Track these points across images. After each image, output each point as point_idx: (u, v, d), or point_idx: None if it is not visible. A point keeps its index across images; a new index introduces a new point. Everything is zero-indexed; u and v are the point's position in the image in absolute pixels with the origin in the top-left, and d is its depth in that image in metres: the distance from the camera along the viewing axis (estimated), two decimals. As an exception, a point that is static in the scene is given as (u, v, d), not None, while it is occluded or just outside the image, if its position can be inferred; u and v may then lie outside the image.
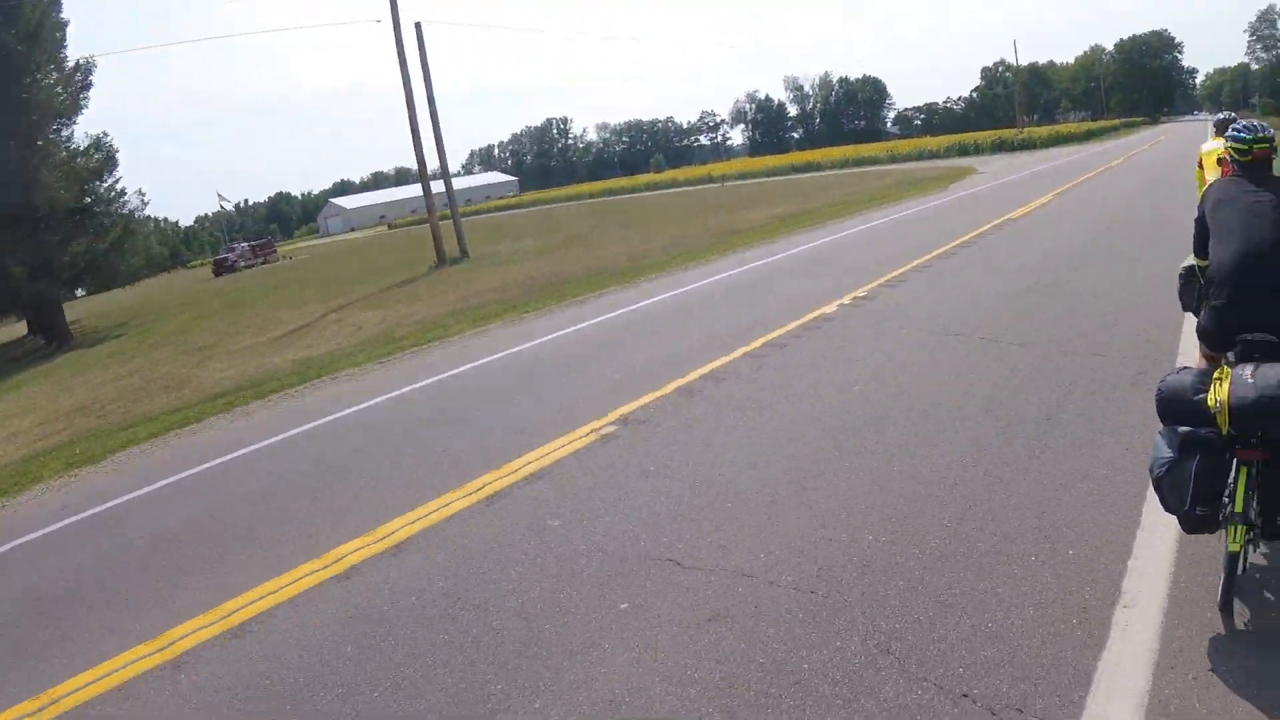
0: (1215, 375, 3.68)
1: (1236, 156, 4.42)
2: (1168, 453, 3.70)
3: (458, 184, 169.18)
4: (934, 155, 73.15)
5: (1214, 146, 8.40)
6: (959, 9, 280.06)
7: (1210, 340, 4.22)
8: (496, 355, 12.08)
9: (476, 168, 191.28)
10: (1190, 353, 6.54)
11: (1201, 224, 4.39)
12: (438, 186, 34.06)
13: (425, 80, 32.34)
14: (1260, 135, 4.34)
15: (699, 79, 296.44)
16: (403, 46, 31.10)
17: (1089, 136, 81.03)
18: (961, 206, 25.89)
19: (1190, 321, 5.27)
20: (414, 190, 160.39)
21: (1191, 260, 4.72)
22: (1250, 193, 4.15)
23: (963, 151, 72.57)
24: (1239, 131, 4.42)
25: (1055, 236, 15.96)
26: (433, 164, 33.94)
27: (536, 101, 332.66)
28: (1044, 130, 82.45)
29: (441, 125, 32.81)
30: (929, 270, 13.94)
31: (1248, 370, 3.60)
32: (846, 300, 12.16)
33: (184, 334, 23.04)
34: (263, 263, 66.59)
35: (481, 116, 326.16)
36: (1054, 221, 18.56)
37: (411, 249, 41.30)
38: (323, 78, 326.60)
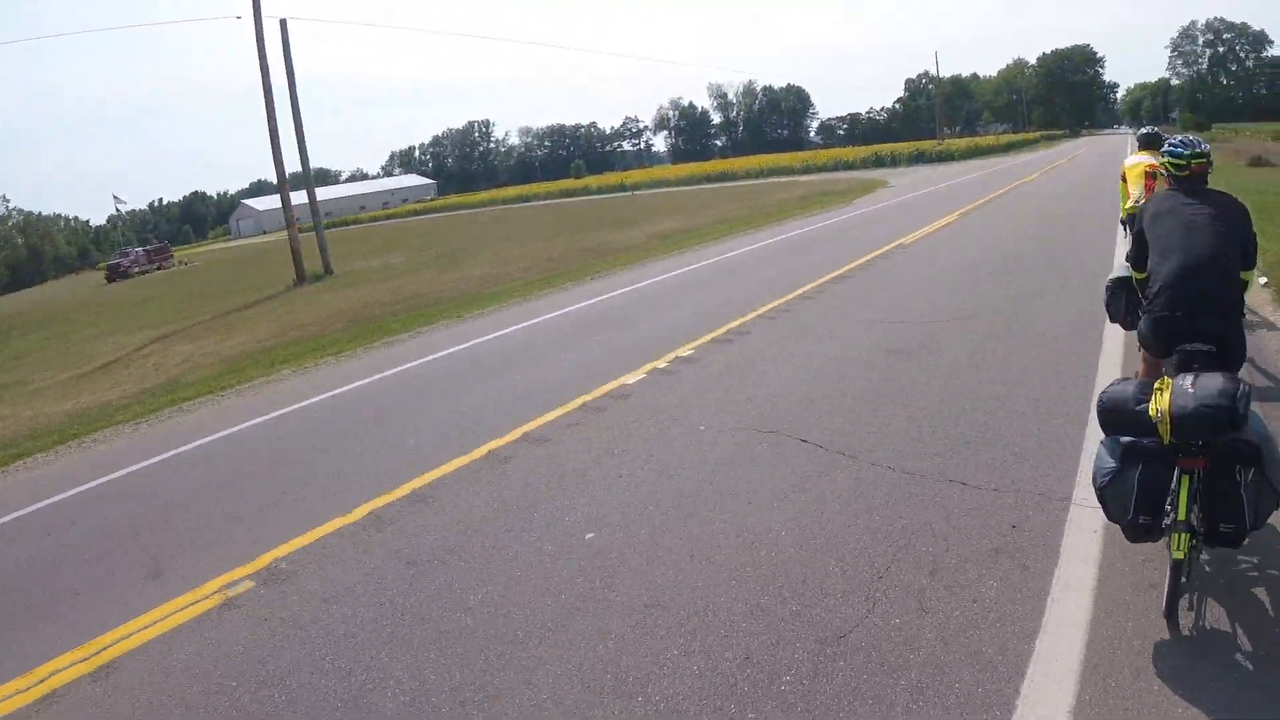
0: (1156, 385, 3.74)
1: (1174, 171, 4.49)
2: (1110, 463, 3.73)
3: (373, 186, 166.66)
4: (850, 166, 71.38)
5: (1137, 161, 8.33)
6: (885, 21, 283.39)
7: (1151, 347, 4.27)
8: (217, 435, 9.09)
9: (397, 170, 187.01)
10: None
11: (1140, 237, 4.46)
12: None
13: (289, 80, 29.07)
14: (1197, 150, 4.44)
15: (624, 84, 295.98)
16: (263, 44, 27.68)
17: (1009, 149, 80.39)
18: (856, 226, 23.50)
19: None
20: (329, 192, 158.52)
21: (1120, 272, 5.15)
22: (1188, 205, 4.24)
23: (879, 163, 71.11)
24: (1176, 147, 4.49)
25: (939, 275, 13.35)
26: (302, 167, 30.46)
27: (459, 103, 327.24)
28: (963, 142, 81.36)
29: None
30: (780, 319, 11.13)
31: (1188, 380, 3.66)
32: (662, 363, 9.26)
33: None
34: (157, 268, 61.92)
35: (402, 117, 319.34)
36: (946, 251, 16.08)
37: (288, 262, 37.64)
38: (239, 71, 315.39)
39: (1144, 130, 9.33)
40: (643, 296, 15.14)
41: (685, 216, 33.93)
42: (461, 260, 27.48)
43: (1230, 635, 3.58)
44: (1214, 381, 3.58)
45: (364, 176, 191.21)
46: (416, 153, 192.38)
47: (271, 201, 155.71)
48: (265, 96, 27.80)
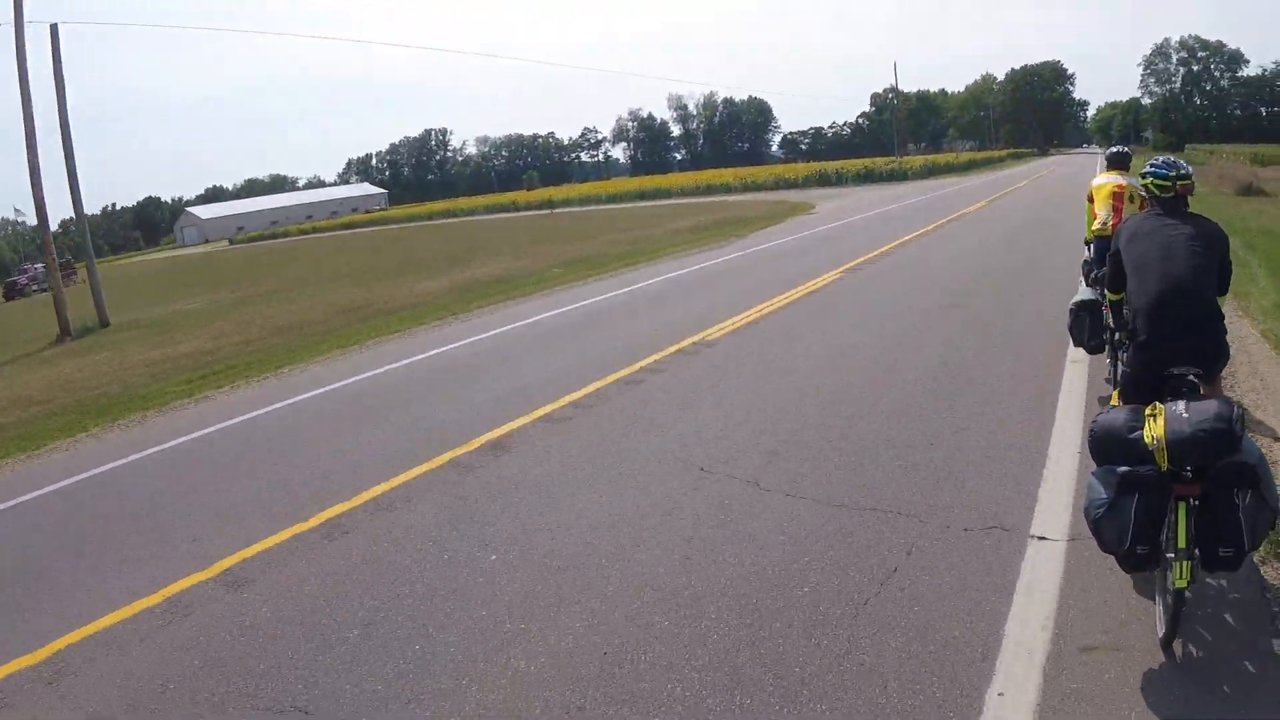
0: (1148, 411, 3.68)
1: (1157, 193, 4.45)
2: (1104, 494, 3.65)
3: (321, 195, 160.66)
4: (792, 184, 64.89)
5: (1105, 180, 8.07)
6: (856, 35, 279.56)
7: (1134, 387, 4.15)
8: None
9: (354, 177, 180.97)
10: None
11: (1116, 259, 4.41)
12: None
13: (59, 96, 22.80)
14: (1182, 172, 4.42)
15: (584, 94, 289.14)
16: (23, 54, 21.07)
17: (969, 167, 74.57)
18: (700, 284, 17.14)
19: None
20: (277, 200, 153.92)
21: (1084, 295, 5.50)
22: (1168, 226, 4.21)
23: (824, 181, 64.66)
24: (1160, 167, 4.45)
25: (808, 363, 8.63)
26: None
27: (419, 111, 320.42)
28: (919, 160, 74.47)
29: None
30: (477, 475, 5.23)
31: (1180, 405, 3.62)
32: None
33: None
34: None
35: (361, 124, 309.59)
36: (829, 320, 10.86)
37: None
38: (197, 74, 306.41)
39: (1113, 149, 8.79)
40: (356, 398, 9.51)
41: (538, 253, 27.85)
42: (262, 307, 22.20)
43: (1222, 661, 3.51)
44: (1208, 406, 3.57)
45: (321, 184, 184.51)
46: (374, 161, 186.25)
47: (217, 209, 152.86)
48: (25, 119, 21.02)
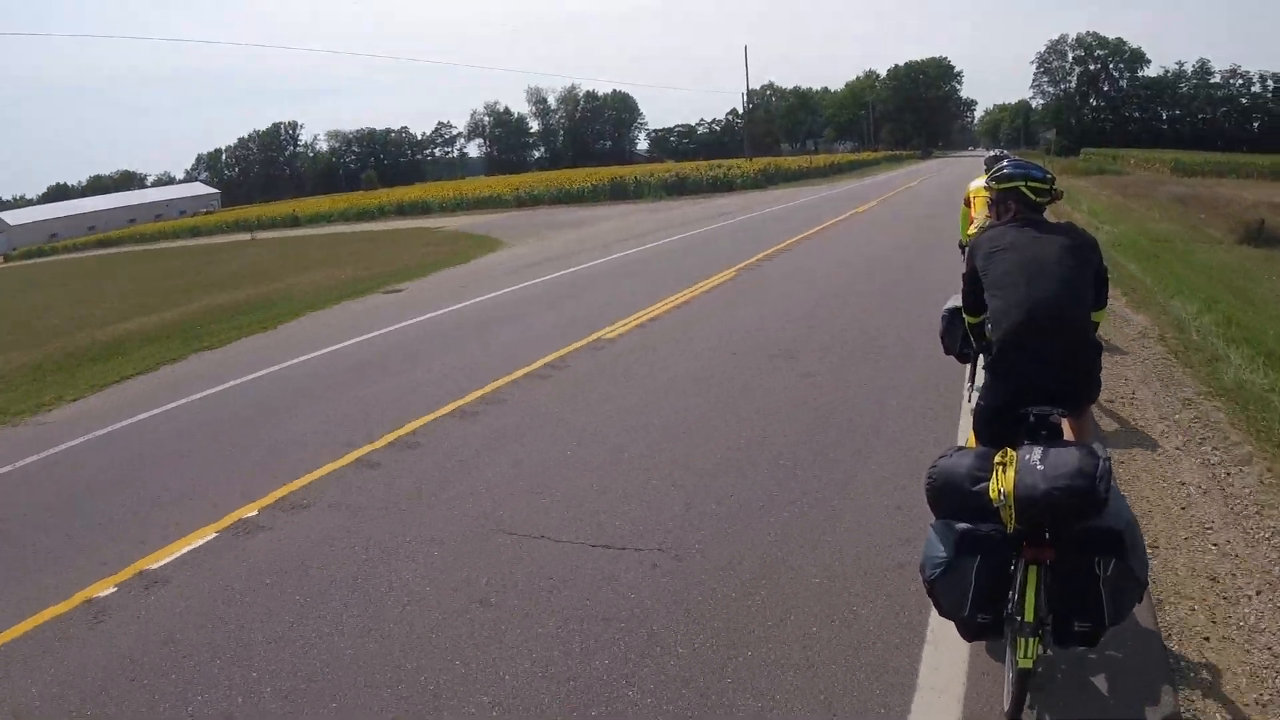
0: (997, 459, 3.14)
1: (1034, 198, 3.89)
2: (942, 551, 3.21)
3: (145, 197, 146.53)
4: (576, 198, 48.71)
5: (983, 185, 7.01)
6: (736, 29, 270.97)
7: (988, 426, 3.60)
8: None
9: (204, 174, 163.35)
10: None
11: (973, 276, 3.84)
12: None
13: None
14: (1052, 175, 3.97)
15: (441, 86, 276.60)
16: None
17: (829, 173, 62.57)
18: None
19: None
20: (95, 204, 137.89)
21: (957, 301, 4.38)
22: (1034, 241, 3.64)
23: (619, 192, 48.62)
24: (1037, 170, 3.94)
25: None
26: None
27: (272, 104, 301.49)
28: (760, 163, 59.66)
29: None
30: None
31: (1035, 454, 3.07)
32: None
33: None
34: None
35: (212, 118, 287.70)
36: None
37: None
38: (48, 63, 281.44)
39: (992, 153, 8.34)
40: None
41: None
42: None
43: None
44: (1069, 457, 3.02)
45: (170, 181, 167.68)
46: (224, 156, 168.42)
47: (27, 215, 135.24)
48: None
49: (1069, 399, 3.47)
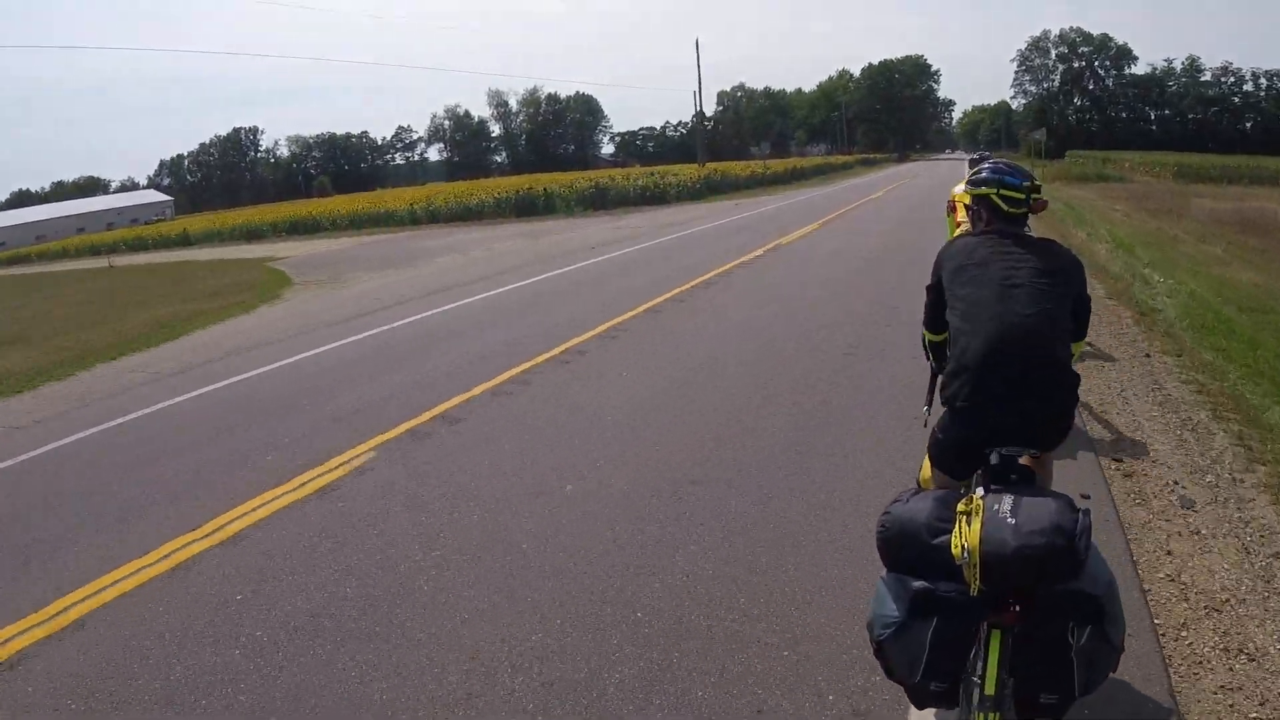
0: (961, 507, 2.61)
1: (1008, 208, 3.32)
2: (894, 611, 2.69)
3: (97, 204, 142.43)
4: (471, 214, 42.14)
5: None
6: (708, 30, 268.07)
7: (946, 462, 3.10)
8: None
9: (166, 180, 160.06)
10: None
11: (937, 291, 3.31)
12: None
13: None
14: (1035, 181, 3.37)
15: (404, 88, 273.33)
16: None
17: (795, 179, 57.07)
18: None
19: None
20: (41, 212, 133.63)
21: None
22: (1008, 256, 3.07)
23: (524, 209, 41.33)
24: (1013, 176, 3.32)
25: None
26: None
27: (233, 109, 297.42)
28: (704, 169, 52.45)
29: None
30: None
31: (1005, 504, 2.56)
32: None
33: None
34: None
35: (174, 124, 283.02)
36: None
37: None
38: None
39: (975, 155, 8.16)
40: None
41: None
42: None
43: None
44: (1043, 510, 2.53)
45: (135, 186, 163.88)
46: (185, 162, 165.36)
47: None
48: None
49: (1039, 441, 2.92)
